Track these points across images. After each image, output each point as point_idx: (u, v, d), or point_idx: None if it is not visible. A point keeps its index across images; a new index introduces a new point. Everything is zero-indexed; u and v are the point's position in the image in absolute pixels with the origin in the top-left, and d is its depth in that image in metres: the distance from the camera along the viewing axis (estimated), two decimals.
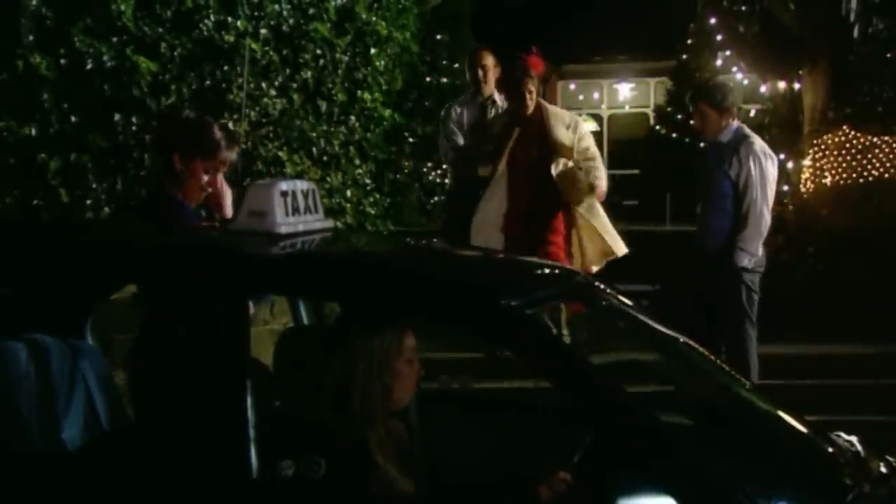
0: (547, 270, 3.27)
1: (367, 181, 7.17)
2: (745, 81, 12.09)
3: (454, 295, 2.71)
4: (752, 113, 12.09)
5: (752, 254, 5.94)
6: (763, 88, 11.07)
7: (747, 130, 6.14)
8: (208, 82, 5.88)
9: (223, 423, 2.59)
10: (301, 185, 3.07)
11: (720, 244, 6.02)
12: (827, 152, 9.37)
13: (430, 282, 2.81)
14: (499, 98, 6.72)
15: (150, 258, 2.94)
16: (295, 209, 2.98)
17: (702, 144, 6.36)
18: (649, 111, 18.76)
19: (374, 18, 7.12)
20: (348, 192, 7.00)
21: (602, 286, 3.32)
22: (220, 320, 2.64)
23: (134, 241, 3.21)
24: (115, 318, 3.79)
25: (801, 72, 9.95)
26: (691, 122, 6.34)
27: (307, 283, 2.89)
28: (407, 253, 3.54)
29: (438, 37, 14.52)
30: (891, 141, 9.12)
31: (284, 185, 3.00)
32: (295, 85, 6.46)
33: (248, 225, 2.99)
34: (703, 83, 6.57)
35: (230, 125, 5.96)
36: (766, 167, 5.97)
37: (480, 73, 6.78)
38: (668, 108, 15.86)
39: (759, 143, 6.07)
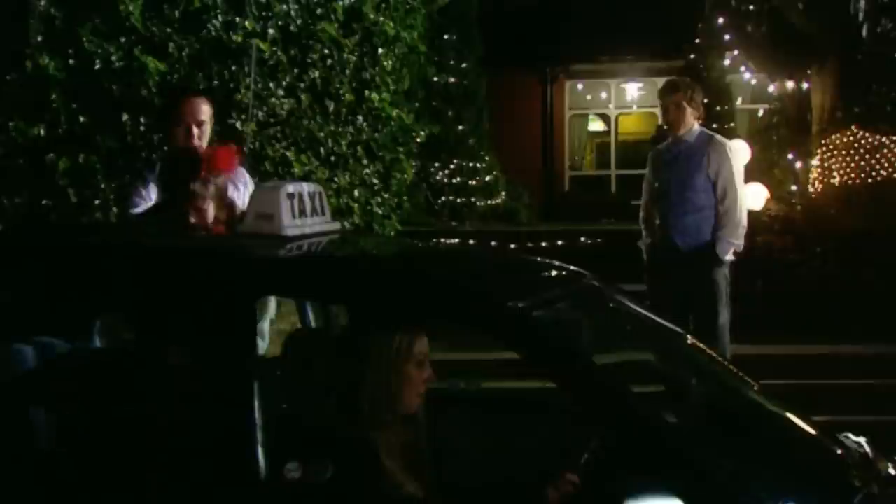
0: (554, 272, 3.27)
1: (375, 181, 7.17)
2: (754, 81, 12.08)
3: (461, 297, 2.71)
4: (761, 113, 12.08)
5: (739, 245, 6.11)
6: (771, 88, 11.07)
7: (709, 130, 6.38)
8: (216, 82, 5.89)
9: (231, 424, 2.59)
10: (308, 187, 3.08)
11: (699, 241, 6.07)
12: (835, 152, 9.35)
13: (437, 284, 2.81)
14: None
15: (157, 261, 2.95)
16: (301, 211, 2.99)
17: (679, 146, 6.33)
18: (657, 111, 18.69)
19: (381, 18, 7.11)
20: (356, 192, 7.00)
21: (609, 287, 3.32)
22: (228, 323, 2.65)
23: (142, 244, 3.22)
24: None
25: (809, 71, 9.94)
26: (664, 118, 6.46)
27: (314, 286, 2.90)
28: (413, 255, 3.54)
29: (446, 37, 14.56)
30: None
31: (291, 188, 3.01)
32: (303, 85, 6.46)
33: (256, 227, 3.00)
34: (679, 79, 6.62)
35: (238, 125, 5.96)
36: (736, 162, 6.21)
37: (195, 130, 4.44)
38: None
39: (725, 139, 6.35)
